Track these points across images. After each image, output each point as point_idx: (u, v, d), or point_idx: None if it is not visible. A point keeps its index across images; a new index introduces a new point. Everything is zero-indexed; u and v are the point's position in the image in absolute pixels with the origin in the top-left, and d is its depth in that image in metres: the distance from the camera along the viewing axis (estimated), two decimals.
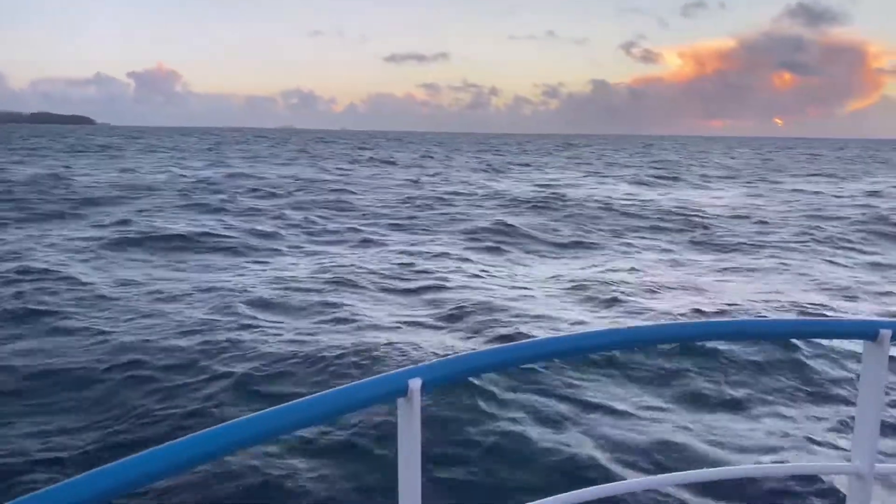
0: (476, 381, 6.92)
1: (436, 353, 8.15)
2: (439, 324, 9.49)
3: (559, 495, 1.75)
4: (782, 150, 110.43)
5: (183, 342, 8.24)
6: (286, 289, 11.01)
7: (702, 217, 21.66)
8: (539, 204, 24.10)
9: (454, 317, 9.73)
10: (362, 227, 18.28)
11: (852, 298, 11.32)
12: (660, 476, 1.98)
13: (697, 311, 10.22)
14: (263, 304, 10.07)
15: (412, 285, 11.62)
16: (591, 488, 1.79)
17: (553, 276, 12.77)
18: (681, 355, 8.07)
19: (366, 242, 16.15)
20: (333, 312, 9.72)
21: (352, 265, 13.00)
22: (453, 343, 8.61)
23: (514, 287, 11.77)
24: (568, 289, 11.67)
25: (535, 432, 6.10)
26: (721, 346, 8.26)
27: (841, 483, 4.86)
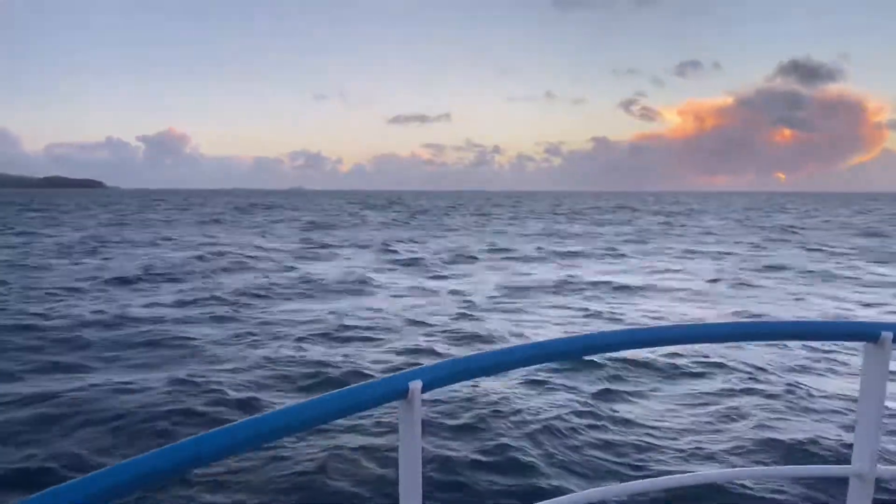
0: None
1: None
2: None
3: (559, 497, 1.76)
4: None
5: None
6: None
7: None
8: None
9: None
10: None
11: None
12: (660, 478, 1.98)
13: None
14: None
15: None
16: (591, 490, 1.79)
17: None
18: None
19: None
20: None
21: None
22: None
23: None
24: None
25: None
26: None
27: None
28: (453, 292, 14.77)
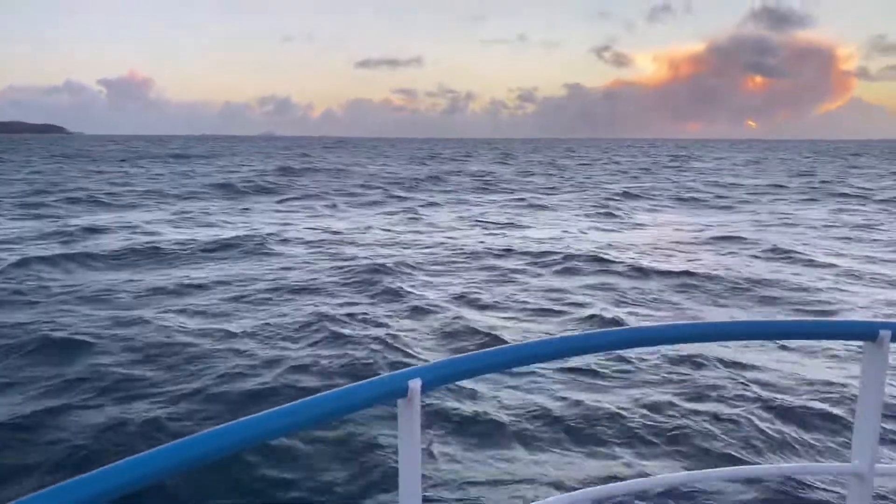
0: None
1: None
2: None
3: (559, 496, 1.76)
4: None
5: None
6: None
7: None
8: None
9: None
10: None
11: None
12: (659, 476, 1.98)
13: None
14: None
15: None
16: (590, 489, 1.79)
17: None
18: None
19: None
20: None
21: None
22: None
23: None
24: None
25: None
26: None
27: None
28: None
